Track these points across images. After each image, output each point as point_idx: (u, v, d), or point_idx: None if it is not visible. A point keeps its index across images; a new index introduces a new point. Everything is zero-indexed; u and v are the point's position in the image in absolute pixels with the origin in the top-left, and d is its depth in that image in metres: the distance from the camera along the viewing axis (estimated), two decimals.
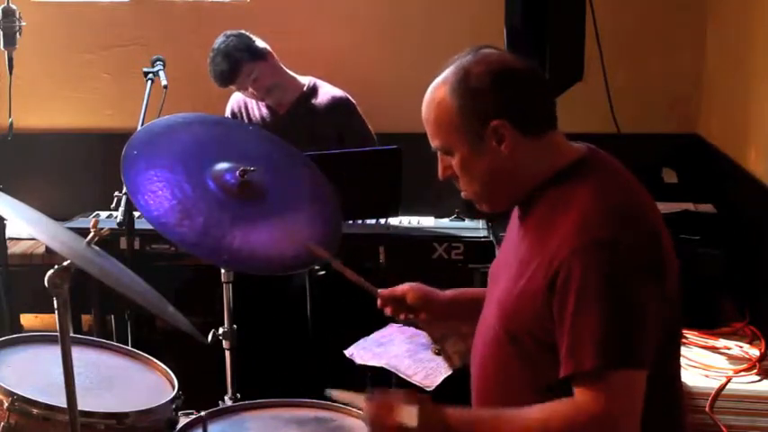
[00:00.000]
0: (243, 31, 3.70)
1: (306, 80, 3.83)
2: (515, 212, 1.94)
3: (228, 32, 3.69)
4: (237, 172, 2.35)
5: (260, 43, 3.70)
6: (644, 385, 1.69)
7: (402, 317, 2.23)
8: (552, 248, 1.73)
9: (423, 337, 2.67)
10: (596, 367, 1.66)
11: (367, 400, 1.84)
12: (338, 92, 3.81)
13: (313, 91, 3.80)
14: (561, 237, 1.72)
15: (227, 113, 3.88)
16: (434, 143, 1.86)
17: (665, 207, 3.35)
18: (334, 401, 2.13)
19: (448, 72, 1.83)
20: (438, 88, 1.83)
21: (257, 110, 3.82)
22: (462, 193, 1.91)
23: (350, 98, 3.80)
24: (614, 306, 1.66)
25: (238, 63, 3.62)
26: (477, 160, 1.82)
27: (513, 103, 1.79)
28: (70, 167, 4.41)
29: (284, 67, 3.77)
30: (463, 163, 1.83)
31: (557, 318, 1.71)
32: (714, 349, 2.78)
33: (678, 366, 1.94)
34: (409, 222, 3.54)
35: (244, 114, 3.85)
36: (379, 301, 2.24)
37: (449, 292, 2.24)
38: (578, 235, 1.70)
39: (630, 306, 1.68)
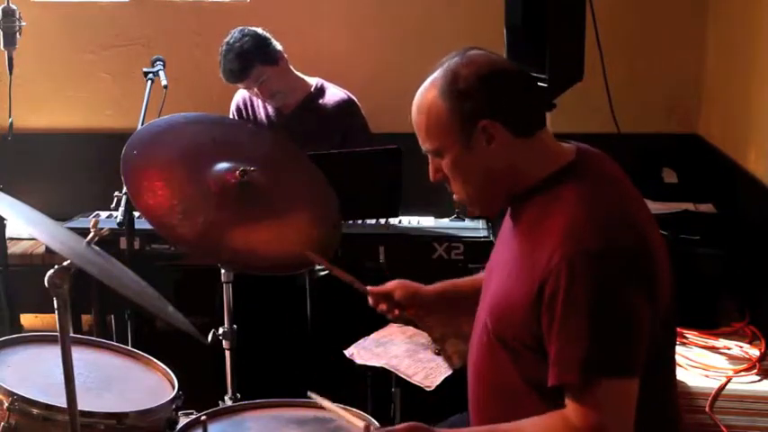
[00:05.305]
0: (259, 31, 3.65)
1: (313, 81, 3.82)
2: (508, 211, 1.93)
3: (245, 29, 3.63)
4: (237, 172, 2.35)
5: (275, 45, 3.65)
6: (636, 393, 1.69)
7: (393, 314, 2.25)
8: (540, 257, 1.72)
9: (423, 337, 2.66)
10: (580, 379, 1.66)
11: None
12: (344, 93, 3.80)
13: (320, 92, 3.80)
14: (549, 246, 1.71)
15: (232, 109, 3.87)
16: (425, 146, 1.86)
17: (665, 207, 3.35)
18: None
19: (436, 75, 1.83)
20: (427, 91, 1.83)
21: (262, 108, 3.81)
22: (454, 196, 1.91)
23: (355, 100, 3.80)
24: (600, 316, 1.66)
25: (250, 65, 3.58)
26: (468, 161, 1.82)
27: (501, 103, 1.79)
28: (70, 167, 4.40)
29: (293, 69, 3.75)
30: (454, 164, 1.83)
31: (545, 328, 1.71)
32: (714, 349, 2.78)
33: (673, 370, 1.95)
34: (409, 222, 3.54)
35: (249, 111, 3.84)
36: (370, 300, 2.26)
37: (437, 286, 2.26)
38: (566, 245, 1.69)
39: (618, 315, 1.67)
